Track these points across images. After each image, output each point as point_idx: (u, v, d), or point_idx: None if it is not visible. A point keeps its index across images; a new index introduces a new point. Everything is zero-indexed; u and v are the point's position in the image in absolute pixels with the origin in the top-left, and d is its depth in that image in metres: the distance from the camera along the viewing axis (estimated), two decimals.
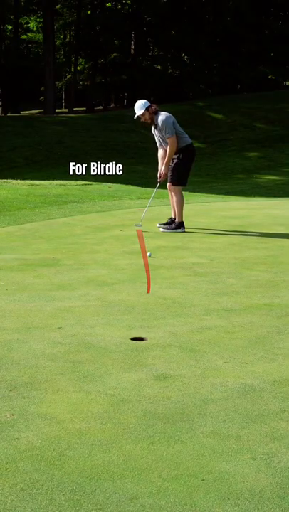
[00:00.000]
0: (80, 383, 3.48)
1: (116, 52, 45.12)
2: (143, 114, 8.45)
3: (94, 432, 2.93)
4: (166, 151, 8.55)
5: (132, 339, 4.22)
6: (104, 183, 15.50)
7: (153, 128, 8.64)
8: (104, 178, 15.68)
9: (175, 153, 8.51)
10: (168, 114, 8.50)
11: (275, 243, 7.70)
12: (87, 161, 16.17)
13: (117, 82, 45.46)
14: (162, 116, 8.43)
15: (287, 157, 26.80)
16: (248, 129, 30.84)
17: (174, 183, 8.66)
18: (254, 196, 15.44)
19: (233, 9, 41.24)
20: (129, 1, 43.52)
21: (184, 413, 3.13)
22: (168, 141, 8.41)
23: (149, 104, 8.50)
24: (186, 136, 8.64)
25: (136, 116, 8.52)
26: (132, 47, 43.47)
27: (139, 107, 8.47)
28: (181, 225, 8.56)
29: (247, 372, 3.67)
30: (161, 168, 8.71)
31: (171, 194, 8.80)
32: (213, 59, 43.36)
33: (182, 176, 8.68)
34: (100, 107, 47.44)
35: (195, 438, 2.88)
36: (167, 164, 8.55)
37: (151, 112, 8.47)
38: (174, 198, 8.70)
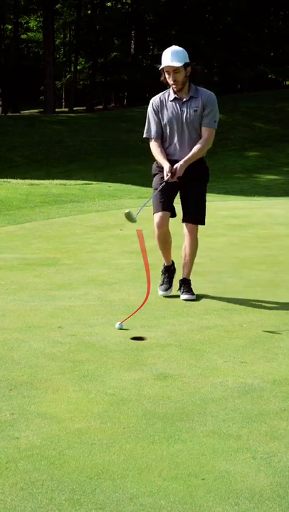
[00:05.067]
0: (80, 383, 3.48)
1: (116, 52, 45.13)
2: (178, 71, 5.03)
3: (94, 431, 2.93)
4: (188, 143, 5.20)
5: (131, 338, 4.22)
6: (104, 183, 15.49)
7: (177, 103, 5.18)
8: (104, 178, 15.68)
9: (200, 163, 5.25)
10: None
11: (275, 243, 7.70)
12: (87, 160, 16.21)
13: (117, 82, 45.50)
14: (211, 93, 5.26)
15: (287, 157, 26.79)
16: (248, 128, 30.81)
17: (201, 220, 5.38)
18: (254, 196, 15.43)
19: (234, 9, 41.23)
20: (129, 1, 43.50)
21: (184, 412, 3.12)
22: (208, 132, 5.17)
23: (189, 61, 5.05)
24: None
25: (167, 65, 4.98)
26: (132, 46, 43.44)
27: (179, 55, 5.01)
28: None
29: (247, 371, 3.67)
30: (166, 164, 5.12)
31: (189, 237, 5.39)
32: (213, 59, 43.35)
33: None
34: (100, 107, 47.42)
35: (195, 437, 2.88)
36: (190, 161, 5.10)
37: (188, 75, 5.12)
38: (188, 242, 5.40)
